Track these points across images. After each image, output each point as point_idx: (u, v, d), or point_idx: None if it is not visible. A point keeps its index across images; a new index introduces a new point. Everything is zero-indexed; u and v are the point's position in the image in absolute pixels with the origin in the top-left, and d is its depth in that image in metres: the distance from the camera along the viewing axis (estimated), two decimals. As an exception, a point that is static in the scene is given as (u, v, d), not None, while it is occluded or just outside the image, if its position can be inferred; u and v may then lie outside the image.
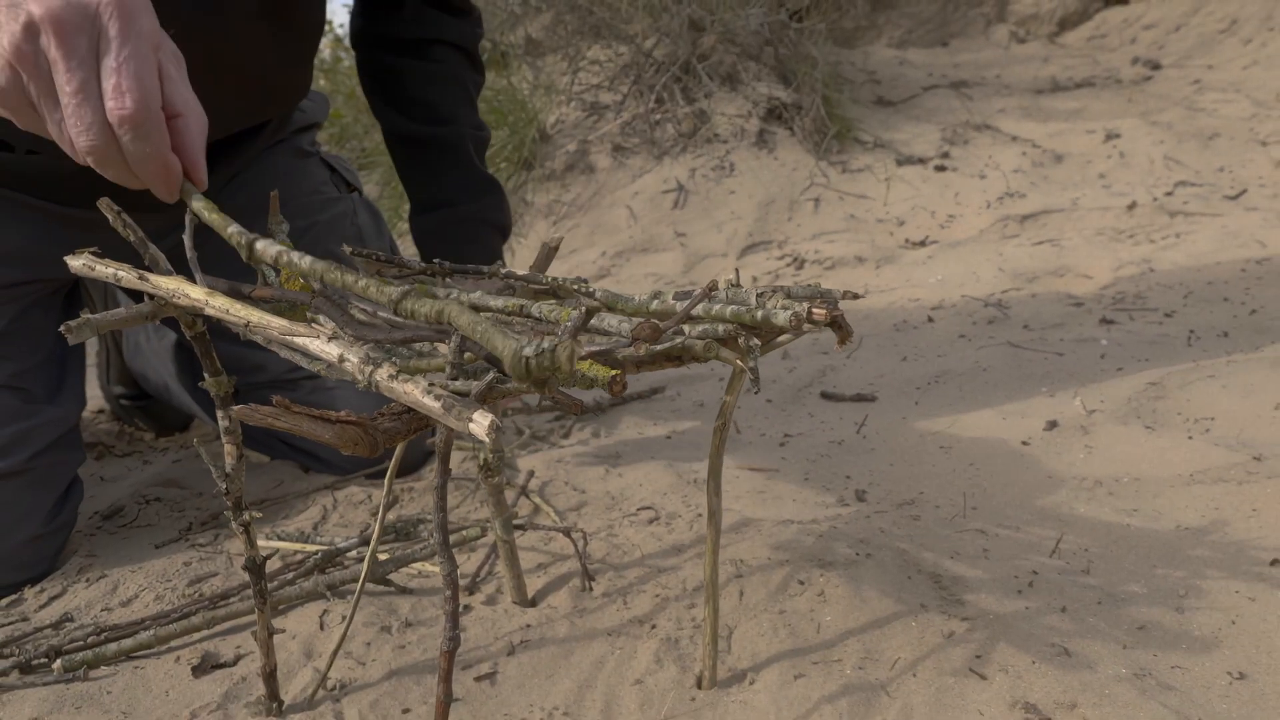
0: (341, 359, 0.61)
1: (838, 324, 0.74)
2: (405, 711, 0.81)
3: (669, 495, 1.18)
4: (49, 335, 1.15)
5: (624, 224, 2.66)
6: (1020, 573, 0.95)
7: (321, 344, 0.60)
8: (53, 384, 1.13)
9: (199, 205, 0.72)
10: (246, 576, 1.04)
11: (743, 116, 2.92)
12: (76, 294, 1.25)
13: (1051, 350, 1.56)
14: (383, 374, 0.58)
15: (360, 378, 0.58)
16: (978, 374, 1.50)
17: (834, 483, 1.20)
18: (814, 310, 0.67)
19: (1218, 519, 1.05)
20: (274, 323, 0.60)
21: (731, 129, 2.88)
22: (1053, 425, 1.28)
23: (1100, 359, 1.52)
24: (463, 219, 1.29)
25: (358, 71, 1.36)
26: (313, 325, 0.60)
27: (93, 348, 1.70)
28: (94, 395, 1.72)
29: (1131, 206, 2.33)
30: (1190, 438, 1.22)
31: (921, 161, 2.75)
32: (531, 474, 1.23)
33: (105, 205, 0.71)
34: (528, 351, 0.49)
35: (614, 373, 0.59)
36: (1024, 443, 1.25)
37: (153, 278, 0.64)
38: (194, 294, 0.61)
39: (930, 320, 1.83)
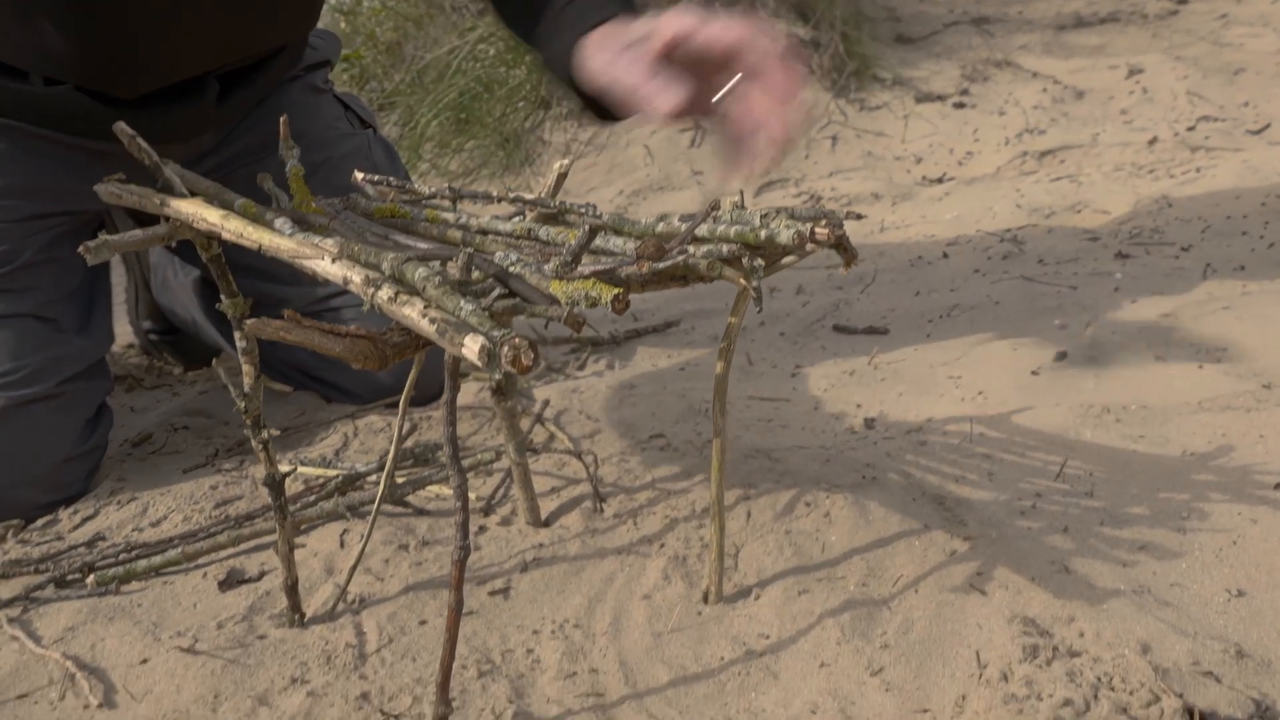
0: (346, 280, 0.62)
1: (842, 245, 0.75)
2: (422, 623, 0.84)
3: (681, 424, 1.20)
4: (77, 270, 1.18)
5: (641, 162, 2.65)
6: (1024, 495, 0.97)
7: (326, 264, 0.62)
8: (82, 316, 1.16)
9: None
10: (269, 498, 1.08)
11: (761, 54, 2.89)
12: (101, 228, 1.28)
13: (1065, 284, 1.57)
14: (383, 295, 0.60)
15: (365, 299, 0.60)
16: (990, 307, 1.51)
17: (843, 411, 1.21)
18: (817, 230, 0.68)
19: (1224, 444, 1.06)
20: (284, 245, 0.62)
21: (749, 67, 2.85)
22: (1062, 356, 1.29)
23: (1114, 292, 1.52)
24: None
25: None
26: (318, 246, 0.62)
27: (122, 284, 1.73)
28: (124, 330, 1.75)
29: (1152, 142, 2.30)
30: (1200, 367, 1.23)
31: (940, 99, 2.72)
32: (547, 403, 1.25)
33: (120, 129, 0.73)
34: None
35: (616, 291, 0.61)
36: (1033, 372, 1.26)
37: (173, 201, 0.66)
38: (210, 217, 0.63)
39: (945, 256, 1.83)
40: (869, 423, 1.16)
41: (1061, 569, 0.85)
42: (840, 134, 2.61)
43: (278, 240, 0.60)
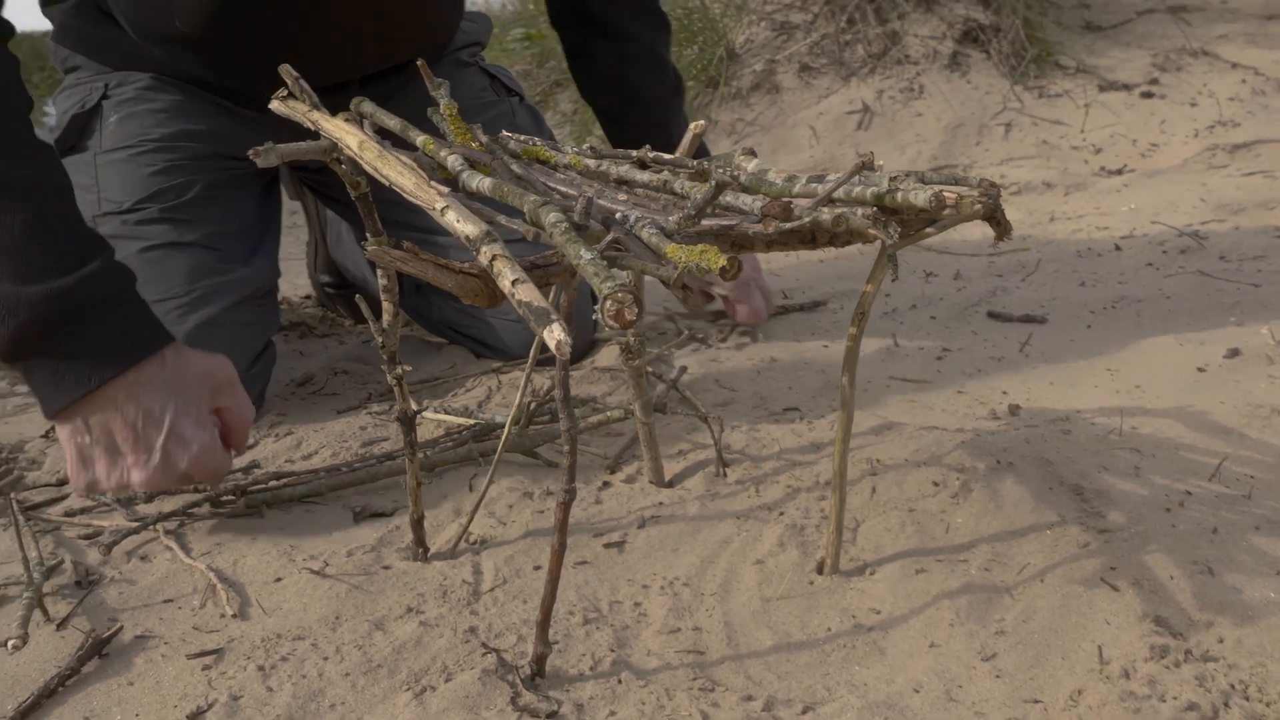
0: (459, 233, 0.64)
1: (995, 218, 0.73)
2: (536, 568, 0.86)
3: (816, 399, 1.18)
4: (246, 212, 1.26)
5: (806, 144, 2.62)
6: (1172, 493, 0.91)
7: (437, 213, 0.63)
8: (248, 251, 1.25)
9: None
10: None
11: (936, 38, 2.81)
12: (275, 187, 1.36)
13: (1247, 281, 1.46)
14: (485, 255, 0.60)
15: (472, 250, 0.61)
16: (1160, 300, 1.42)
17: (988, 397, 1.17)
18: (957, 194, 0.66)
19: (1407, 459, 0.97)
20: (406, 183, 0.64)
21: (923, 50, 2.78)
22: (1234, 353, 1.20)
23: (1301, 294, 1.42)
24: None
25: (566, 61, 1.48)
26: (434, 189, 0.63)
27: (302, 238, 1.83)
28: (303, 283, 1.85)
29: (1364, 140, 2.13)
30: (1390, 376, 1.13)
31: (1127, 88, 2.58)
32: (684, 369, 1.25)
33: (285, 70, 0.77)
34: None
35: (722, 262, 0.60)
36: (1200, 369, 1.19)
37: (323, 123, 0.69)
38: (351, 142, 0.66)
39: (1117, 248, 1.74)
40: (1013, 409, 1.12)
41: (1205, 571, 0.80)
42: (1015, 121, 2.51)
43: (401, 179, 0.62)
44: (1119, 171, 2.22)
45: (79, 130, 1.22)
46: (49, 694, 0.73)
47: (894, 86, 2.69)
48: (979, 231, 2.00)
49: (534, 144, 0.81)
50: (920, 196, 0.66)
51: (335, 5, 1.16)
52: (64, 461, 0.91)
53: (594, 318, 0.57)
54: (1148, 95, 2.53)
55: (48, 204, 0.85)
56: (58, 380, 0.85)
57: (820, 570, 0.84)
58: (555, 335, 0.54)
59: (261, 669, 0.74)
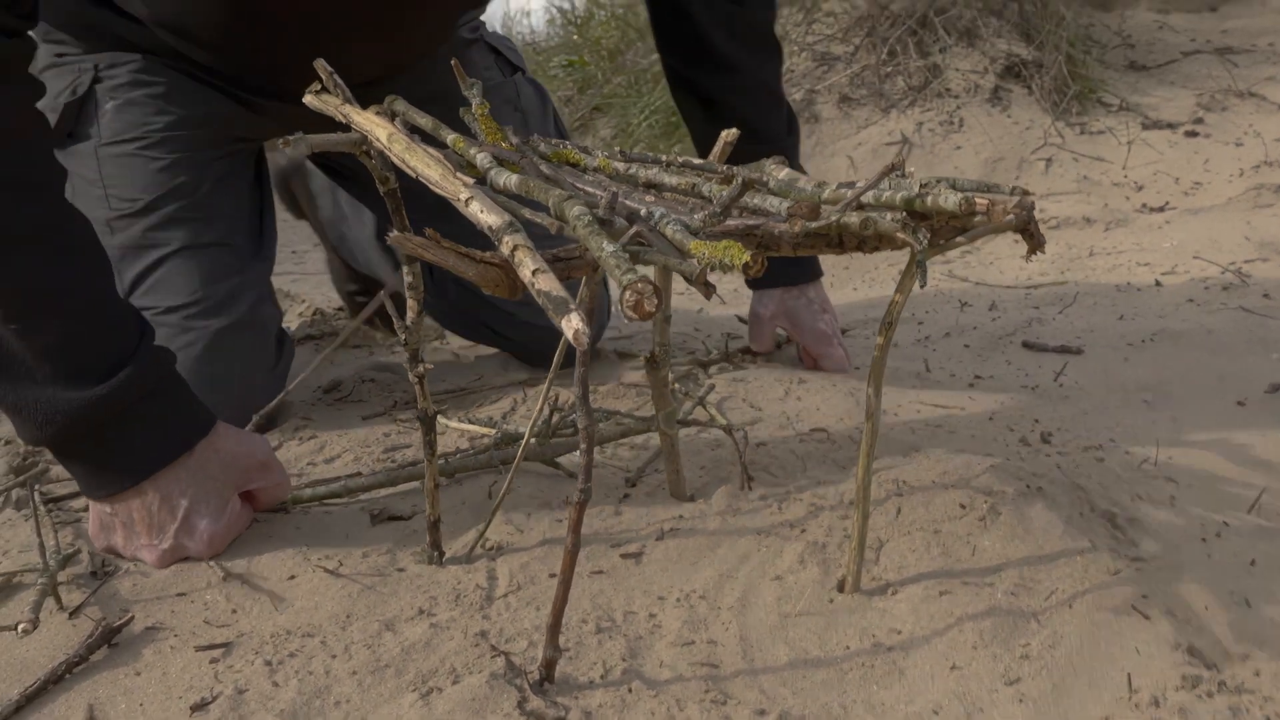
0: (481, 224, 0.63)
1: (1028, 229, 0.71)
2: (552, 575, 0.85)
3: (844, 420, 1.17)
4: (247, 198, 1.25)
5: (844, 173, 2.61)
6: (1209, 523, 0.89)
7: (461, 204, 0.63)
8: (255, 240, 1.24)
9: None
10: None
11: (978, 73, 2.80)
12: (264, 166, 1.34)
13: (1290, 320, 1.43)
14: (506, 245, 0.59)
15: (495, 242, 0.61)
16: (1200, 335, 1.39)
17: (1019, 424, 1.15)
18: (977, 198, 0.64)
19: None
20: (433, 174, 0.63)
21: (964, 84, 2.77)
22: (1276, 389, 1.17)
23: (1347, 333, 1.38)
24: None
25: (669, 87, 1.39)
26: (459, 180, 0.62)
27: (321, 254, 1.84)
28: (333, 296, 1.86)
29: None
30: None
31: (1171, 126, 2.55)
32: (712, 386, 1.24)
33: (320, 65, 0.77)
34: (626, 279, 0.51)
35: (745, 258, 0.59)
36: (1239, 402, 1.16)
37: (354, 116, 0.69)
38: (381, 135, 0.66)
39: (1158, 284, 1.71)
40: (1045, 437, 1.09)
41: (1242, 603, 0.78)
42: (1055, 156, 2.49)
43: (427, 170, 0.62)
44: (1161, 209, 2.19)
45: (73, 118, 1.17)
46: (55, 680, 0.72)
47: (934, 119, 2.68)
48: (1015, 264, 1.98)
49: (564, 147, 0.81)
50: (950, 200, 0.65)
51: (347, 21, 1.13)
52: None
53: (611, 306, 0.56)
54: (1192, 134, 2.51)
55: (90, 299, 0.85)
56: (92, 476, 0.87)
57: (841, 588, 0.82)
58: (573, 324, 0.53)
59: (269, 664, 0.74)
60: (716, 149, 0.85)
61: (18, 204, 0.81)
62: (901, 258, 2.04)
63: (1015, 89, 2.74)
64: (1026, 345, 1.43)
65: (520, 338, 1.40)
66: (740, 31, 1.30)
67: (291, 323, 1.75)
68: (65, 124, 1.18)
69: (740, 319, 1.61)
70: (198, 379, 0.99)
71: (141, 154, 1.17)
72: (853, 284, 2.02)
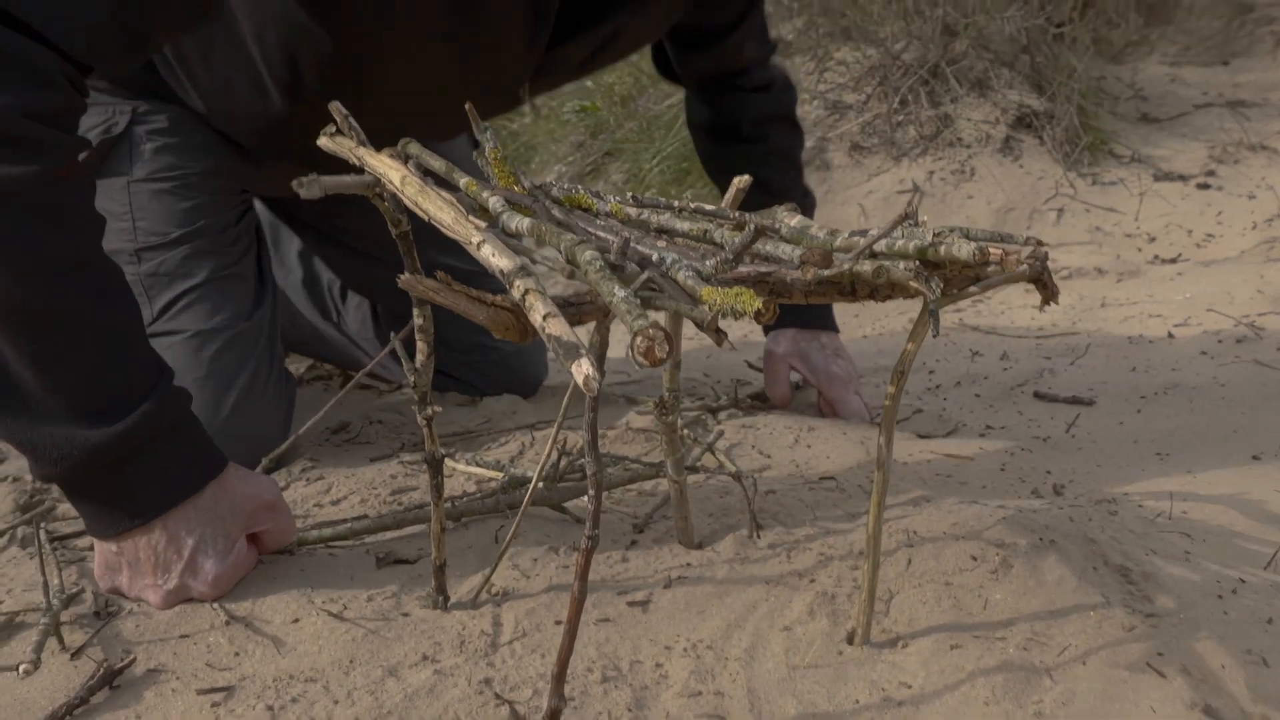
0: (493, 267, 0.63)
1: (1041, 280, 0.71)
2: (557, 623, 0.84)
3: (855, 470, 1.16)
4: (254, 240, 1.32)
5: (854, 220, 2.62)
6: (1224, 580, 0.87)
7: (474, 248, 0.63)
8: (260, 282, 1.29)
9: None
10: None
11: (989, 123, 2.81)
12: (251, 208, 1.38)
13: (1305, 373, 1.42)
14: (518, 289, 0.59)
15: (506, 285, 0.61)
16: (1214, 388, 1.39)
17: (1031, 475, 1.14)
18: (990, 248, 0.64)
19: None
20: (445, 218, 0.63)
21: (976, 134, 2.78)
22: (1291, 444, 1.16)
23: (1363, 388, 1.37)
24: None
25: (696, 151, 1.52)
26: (471, 224, 0.63)
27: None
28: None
29: None
30: None
31: (1183, 178, 2.56)
32: (721, 433, 1.23)
33: (335, 108, 0.78)
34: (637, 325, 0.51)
35: (758, 305, 0.58)
36: (1254, 457, 1.15)
37: (368, 159, 0.69)
38: (394, 177, 0.66)
39: (1170, 336, 1.70)
40: (1057, 489, 1.08)
41: (1259, 662, 0.76)
42: (1067, 206, 2.50)
43: (440, 214, 0.62)
44: (1173, 260, 2.19)
45: (105, 154, 1.21)
46: (54, 722, 0.71)
47: (945, 168, 2.69)
48: (1027, 313, 1.97)
49: (576, 191, 0.81)
50: (964, 250, 0.64)
51: (405, 126, 1.18)
52: None
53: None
54: (1204, 186, 2.51)
55: (117, 337, 0.86)
56: (102, 514, 0.87)
57: (850, 640, 0.81)
58: (583, 370, 0.53)
59: (270, 709, 0.73)
60: (729, 195, 0.85)
61: (59, 239, 0.82)
62: (912, 304, 2.04)
63: (1027, 139, 2.76)
64: (1038, 395, 1.42)
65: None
66: (767, 114, 1.42)
67: (300, 364, 1.75)
68: (95, 159, 1.22)
69: (751, 365, 1.60)
70: (213, 415, 1.01)
71: (174, 192, 1.22)
72: (863, 330, 2.02)
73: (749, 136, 1.43)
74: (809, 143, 2.89)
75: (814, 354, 1.39)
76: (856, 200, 2.67)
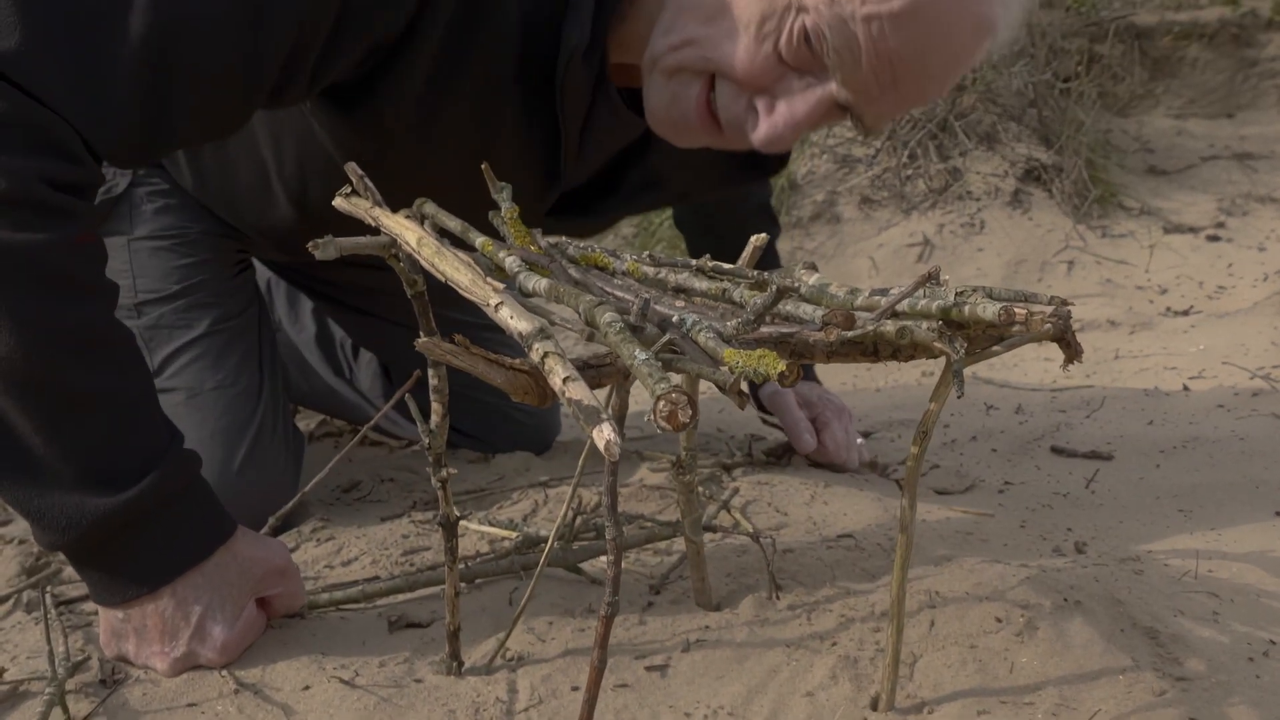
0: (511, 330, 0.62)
1: (1065, 339, 0.70)
2: (574, 689, 0.82)
3: (873, 528, 1.14)
4: (255, 297, 1.32)
5: (865, 274, 2.62)
6: (1255, 641, 0.85)
7: (491, 310, 0.62)
8: (261, 333, 1.29)
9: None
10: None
11: (998, 176, 2.82)
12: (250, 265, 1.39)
13: (1325, 427, 1.41)
14: (537, 352, 0.59)
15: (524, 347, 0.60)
16: (1233, 442, 1.37)
17: (1052, 533, 1.12)
18: (1015, 308, 0.64)
19: None
20: (462, 279, 0.63)
21: (985, 187, 2.79)
22: (1315, 500, 1.15)
23: (1385, 441, 1.36)
24: None
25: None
26: (489, 285, 0.62)
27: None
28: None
29: None
30: None
31: (1192, 231, 2.56)
32: (736, 490, 1.22)
33: (351, 169, 0.77)
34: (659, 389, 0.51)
35: (781, 368, 0.57)
36: (1278, 513, 1.13)
37: (384, 219, 0.69)
38: (410, 238, 0.66)
39: (1186, 389, 1.69)
40: (1079, 547, 1.07)
41: (1295, 728, 0.74)
42: (1078, 259, 2.50)
43: (457, 275, 0.62)
44: (1186, 312, 2.18)
45: (105, 214, 1.21)
46: (60, 795, 0.70)
47: (955, 221, 2.70)
48: (1040, 366, 1.96)
49: (592, 250, 0.81)
50: (988, 311, 0.64)
51: None
52: None
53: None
54: (1214, 239, 2.51)
55: (129, 403, 0.85)
56: (109, 582, 0.86)
57: (875, 706, 0.79)
58: (605, 435, 0.52)
59: (281, 780, 0.71)
60: (746, 254, 0.85)
61: (72, 308, 0.81)
62: (929, 360, 2.03)
63: (1036, 192, 2.76)
64: (1055, 450, 1.41)
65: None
66: (745, 209, 1.45)
67: (311, 420, 1.75)
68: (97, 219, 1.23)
69: (765, 420, 1.59)
70: (221, 471, 1.01)
71: (174, 249, 1.23)
72: (875, 384, 2.01)
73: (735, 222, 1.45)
74: (819, 196, 2.91)
75: (807, 390, 1.40)
76: (867, 253, 2.68)
